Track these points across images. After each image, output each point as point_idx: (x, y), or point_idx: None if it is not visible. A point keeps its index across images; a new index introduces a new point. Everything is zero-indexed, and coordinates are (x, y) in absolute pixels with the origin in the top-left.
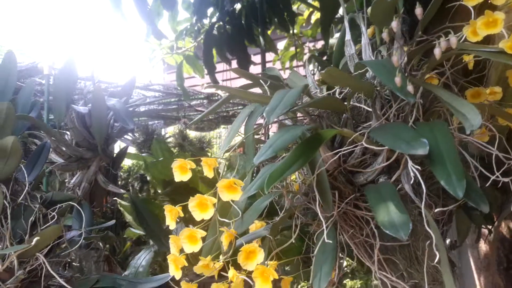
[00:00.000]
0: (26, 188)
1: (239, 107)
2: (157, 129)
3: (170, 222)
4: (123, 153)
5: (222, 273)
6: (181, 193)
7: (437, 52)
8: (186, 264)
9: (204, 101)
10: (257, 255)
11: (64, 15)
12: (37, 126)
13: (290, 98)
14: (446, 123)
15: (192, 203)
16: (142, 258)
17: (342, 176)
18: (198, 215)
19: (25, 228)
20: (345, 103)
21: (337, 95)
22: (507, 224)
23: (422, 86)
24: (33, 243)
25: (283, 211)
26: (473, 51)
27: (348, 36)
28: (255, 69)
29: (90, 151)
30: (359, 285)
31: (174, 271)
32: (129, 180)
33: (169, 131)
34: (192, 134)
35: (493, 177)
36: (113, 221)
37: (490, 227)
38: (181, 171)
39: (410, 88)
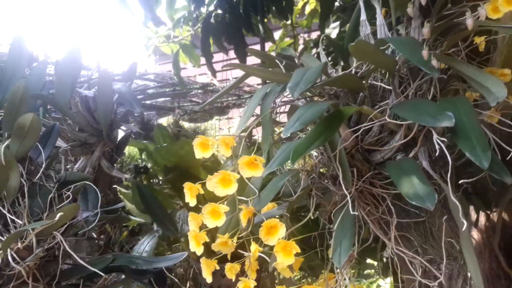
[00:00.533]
0: (43, 167)
1: (234, 98)
2: (153, 119)
3: (191, 199)
4: (126, 139)
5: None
6: (183, 180)
7: (469, 22)
8: (208, 240)
9: (199, 91)
10: (279, 230)
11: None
12: (52, 105)
13: (313, 74)
14: (467, 97)
15: (215, 179)
16: (146, 244)
17: (359, 154)
18: (221, 191)
19: (42, 206)
20: (363, 82)
21: None
22: (498, 213)
23: (445, 61)
24: (56, 219)
25: (300, 190)
26: (495, 27)
27: (363, 16)
28: (250, 60)
29: (94, 136)
30: None
31: (195, 247)
32: (123, 171)
33: (163, 122)
34: (186, 125)
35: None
36: (123, 203)
37: (488, 212)
38: (202, 148)
39: (434, 62)
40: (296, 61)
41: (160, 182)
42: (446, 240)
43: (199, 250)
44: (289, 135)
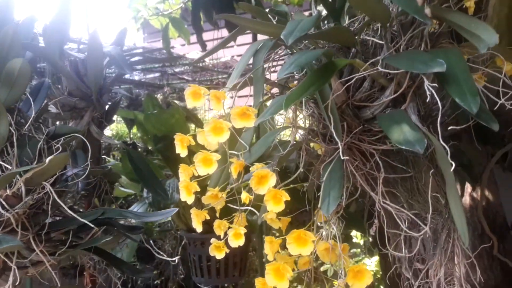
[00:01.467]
0: (32, 117)
1: (224, 76)
2: (142, 95)
3: (181, 150)
4: (116, 105)
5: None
6: (173, 150)
7: None
8: (199, 189)
9: (188, 68)
10: (269, 180)
11: None
12: (42, 57)
13: (307, 23)
14: (459, 49)
15: (208, 127)
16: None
17: (349, 110)
18: (213, 139)
19: (31, 157)
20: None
21: None
22: (482, 191)
23: (438, 11)
24: (46, 163)
25: (290, 145)
26: None
27: None
28: (240, 39)
29: (83, 101)
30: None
31: (186, 197)
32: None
33: None
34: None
35: (500, 101)
36: (114, 161)
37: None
38: (194, 97)
39: (427, 11)
40: (289, 18)
41: (150, 157)
42: (432, 194)
43: (190, 199)
44: (284, 75)
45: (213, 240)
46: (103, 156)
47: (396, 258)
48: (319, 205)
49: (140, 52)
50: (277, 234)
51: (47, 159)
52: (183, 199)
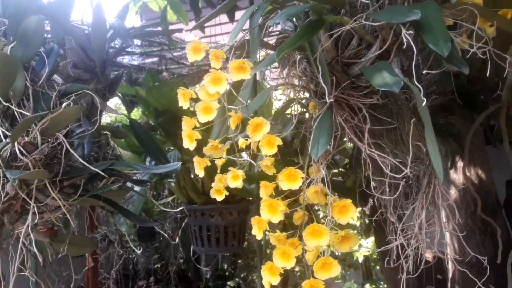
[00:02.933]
0: (45, 74)
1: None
2: (141, 79)
3: (184, 103)
4: (119, 78)
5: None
6: (173, 124)
7: None
8: (200, 137)
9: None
10: (264, 127)
11: None
12: (53, 19)
13: None
14: (435, 2)
15: (207, 79)
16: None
17: (338, 66)
18: (212, 89)
19: (45, 109)
20: None
21: None
22: (475, 170)
23: None
24: (61, 109)
25: (284, 100)
26: None
27: None
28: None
29: (87, 73)
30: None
31: (188, 144)
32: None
33: None
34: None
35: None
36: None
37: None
38: (194, 52)
39: None
40: None
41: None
42: (414, 143)
43: (192, 145)
44: (276, 23)
45: (213, 184)
46: (105, 132)
47: (382, 205)
48: (309, 151)
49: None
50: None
51: (62, 105)
52: (185, 146)
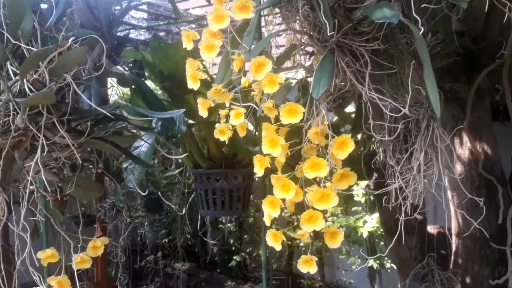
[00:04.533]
0: (52, 17)
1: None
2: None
3: (187, 44)
4: (125, 39)
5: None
6: (179, 88)
7: None
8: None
9: (193, 25)
10: (266, 66)
11: None
12: None
13: None
14: None
15: (211, 17)
16: (143, 144)
17: (341, 10)
18: (215, 26)
19: (53, 51)
20: None
21: None
22: (481, 145)
23: None
24: (69, 43)
25: (287, 45)
26: None
27: None
28: None
29: (94, 32)
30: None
31: (193, 84)
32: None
33: None
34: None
35: None
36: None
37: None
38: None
39: None
40: None
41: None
42: (414, 87)
43: (196, 85)
44: None
45: (217, 125)
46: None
47: (382, 150)
48: (310, 92)
49: (145, 9)
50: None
51: (70, 40)
52: (190, 87)
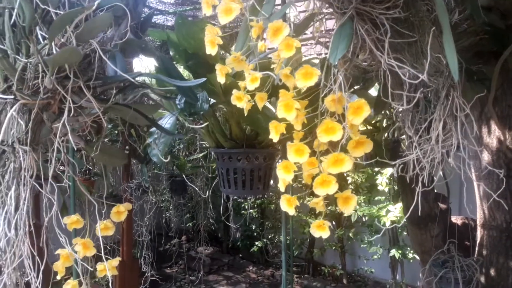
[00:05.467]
0: None
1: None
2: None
3: (207, 10)
4: (150, 16)
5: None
6: (203, 67)
7: None
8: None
9: None
10: (283, 31)
11: None
12: None
13: None
14: None
15: None
16: (166, 121)
17: None
18: None
19: (79, 14)
20: None
21: None
22: (510, 134)
23: None
24: (96, 4)
25: (306, 13)
26: None
27: None
28: None
29: (120, 9)
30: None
31: (211, 49)
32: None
33: None
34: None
35: None
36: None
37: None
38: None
39: None
40: None
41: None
42: (435, 55)
43: (213, 50)
44: None
45: (234, 91)
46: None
47: (400, 120)
48: (327, 57)
49: None
50: None
51: (95, 2)
52: (208, 52)
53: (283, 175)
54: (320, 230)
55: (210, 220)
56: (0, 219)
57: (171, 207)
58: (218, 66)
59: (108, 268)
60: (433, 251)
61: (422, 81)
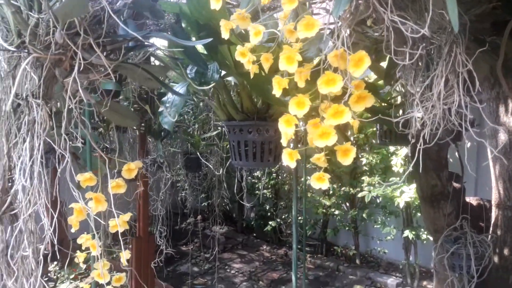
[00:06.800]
0: None
1: None
2: None
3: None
4: None
5: None
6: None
7: None
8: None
9: None
10: None
11: None
12: None
13: None
14: None
15: None
16: (178, 89)
17: None
18: None
19: None
20: None
21: None
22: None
23: None
24: None
25: None
26: None
27: None
28: None
29: None
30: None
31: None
32: None
33: None
34: None
35: None
36: None
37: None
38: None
39: None
40: None
41: None
42: (438, 12)
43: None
44: None
45: (238, 47)
46: None
47: (403, 78)
48: (330, 12)
49: None
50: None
51: None
52: (212, 7)
53: (285, 129)
54: (320, 181)
55: (225, 200)
56: (16, 169)
57: (186, 186)
58: (222, 22)
59: (119, 223)
60: (445, 229)
61: (425, 38)
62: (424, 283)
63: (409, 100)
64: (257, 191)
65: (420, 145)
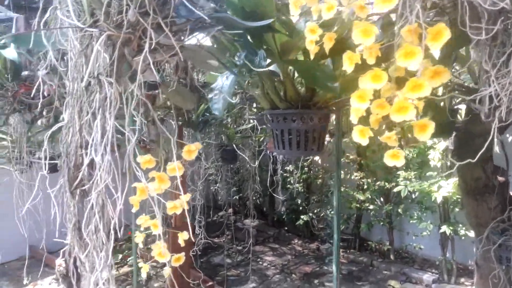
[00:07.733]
0: None
1: None
2: None
3: None
4: None
5: None
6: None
7: None
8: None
9: None
10: None
11: None
12: None
13: None
14: None
15: None
16: (225, 77)
17: None
18: None
19: None
20: None
21: None
22: None
23: None
24: None
25: None
26: None
27: None
28: None
29: None
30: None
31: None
32: None
33: None
34: None
35: None
36: None
37: None
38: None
39: None
40: None
41: None
42: None
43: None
44: None
45: (308, 23)
46: None
47: (476, 56)
48: None
49: None
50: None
51: None
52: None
53: (357, 104)
54: (395, 159)
55: (257, 194)
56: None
57: (219, 179)
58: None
59: (178, 205)
60: (489, 223)
61: (502, 12)
62: (462, 280)
63: (483, 77)
64: (288, 185)
65: (495, 124)
